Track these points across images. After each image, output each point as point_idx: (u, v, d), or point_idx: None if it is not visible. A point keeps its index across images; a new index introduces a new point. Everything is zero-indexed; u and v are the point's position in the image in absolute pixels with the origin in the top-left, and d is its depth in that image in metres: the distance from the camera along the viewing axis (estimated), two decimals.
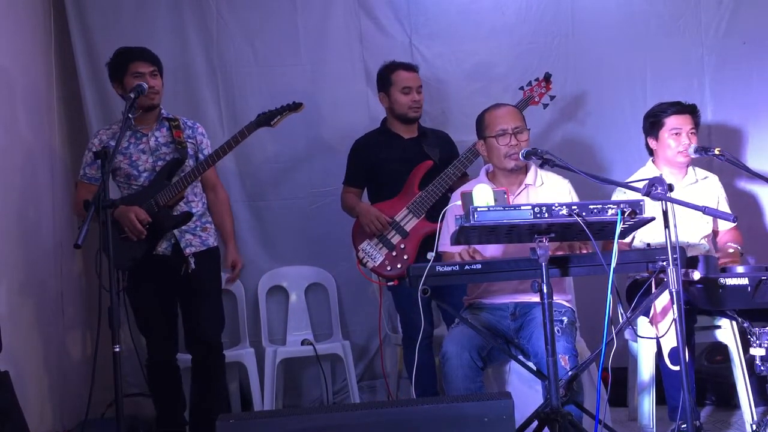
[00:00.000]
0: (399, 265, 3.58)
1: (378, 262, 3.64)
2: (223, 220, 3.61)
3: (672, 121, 3.49)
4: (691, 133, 3.49)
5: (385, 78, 3.79)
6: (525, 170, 3.18)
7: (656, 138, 3.53)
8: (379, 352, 4.43)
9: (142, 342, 4.28)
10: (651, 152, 3.64)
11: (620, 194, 3.44)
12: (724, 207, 3.55)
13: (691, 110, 3.53)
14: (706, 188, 3.58)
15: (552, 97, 3.92)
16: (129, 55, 3.39)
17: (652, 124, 3.55)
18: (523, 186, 3.16)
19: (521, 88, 3.90)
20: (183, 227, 3.39)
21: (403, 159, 3.70)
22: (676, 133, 3.48)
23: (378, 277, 3.70)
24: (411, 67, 3.81)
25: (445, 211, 2.90)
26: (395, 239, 3.63)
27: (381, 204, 3.70)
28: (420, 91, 3.77)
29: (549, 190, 3.16)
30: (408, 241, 3.61)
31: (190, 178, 3.33)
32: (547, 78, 3.89)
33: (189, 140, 3.47)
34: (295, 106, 3.38)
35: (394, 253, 3.63)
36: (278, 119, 3.37)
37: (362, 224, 3.67)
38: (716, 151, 3.37)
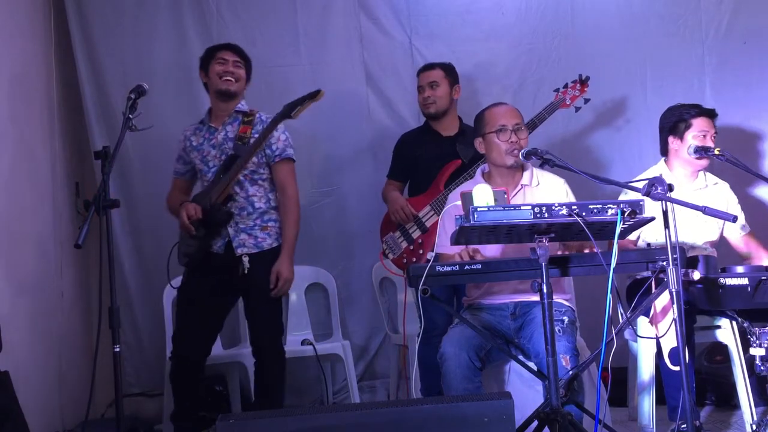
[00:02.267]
0: (414, 260, 3.66)
1: (396, 255, 3.75)
2: (285, 224, 3.39)
3: (699, 123, 3.47)
4: (713, 136, 3.49)
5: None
6: (521, 170, 3.18)
7: (681, 138, 3.50)
8: (379, 352, 4.45)
9: (143, 342, 4.29)
10: (663, 151, 3.61)
11: (628, 194, 3.42)
12: (735, 212, 3.48)
13: (713, 114, 3.53)
14: (715, 194, 3.54)
15: (587, 100, 3.89)
16: (219, 45, 3.51)
17: (677, 123, 3.50)
18: (519, 186, 3.16)
19: (556, 90, 3.88)
20: (241, 225, 3.33)
21: (437, 156, 3.76)
22: (703, 135, 3.46)
23: (403, 270, 3.73)
24: (426, 67, 3.91)
25: (443, 213, 2.91)
26: (415, 234, 3.70)
27: (411, 199, 3.80)
28: (434, 86, 3.82)
29: (545, 190, 3.16)
30: (426, 237, 3.67)
31: (234, 173, 3.28)
32: (583, 80, 3.85)
33: (257, 135, 3.37)
34: (314, 95, 3.29)
35: (412, 248, 3.70)
36: (299, 109, 3.27)
37: (390, 212, 3.79)
38: (716, 151, 3.37)
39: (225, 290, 3.40)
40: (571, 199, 3.16)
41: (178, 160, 3.54)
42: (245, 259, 3.29)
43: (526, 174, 3.17)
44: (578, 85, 3.85)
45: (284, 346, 4.20)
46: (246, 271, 3.29)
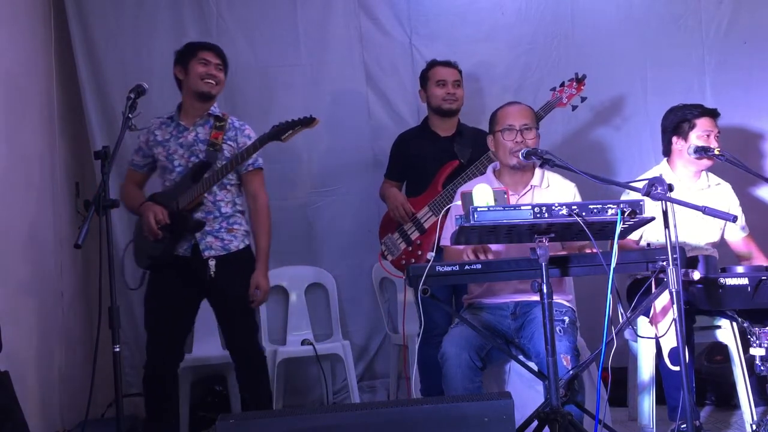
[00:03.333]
0: (413, 261, 3.64)
1: (395, 256, 3.73)
2: (258, 233, 3.40)
3: (703, 123, 3.47)
4: (717, 136, 3.49)
5: (423, 75, 3.90)
6: (532, 171, 3.18)
7: (685, 138, 3.50)
8: (379, 352, 4.45)
9: (143, 342, 4.28)
10: (666, 151, 3.61)
11: (630, 194, 3.42)
12: (736, 213, 3.48)
13: (716, 114, 3.53)
14: (717, 195, 3.54)
15: (584, 99, 3.89)
16: (201, 44, 3.48)
17: (680, 123, 3.50)
18: (529, 187, 3.16)
19: (552, 89, 3.88)
20: (207, 228, 3.32)
21: (435, 157, 3.76)
22: (707, 135, 3.46)
23: (402, 271, 3.73)
24: (448, 63, 3.89)
25: (449, 207, 2.91)
26: (414, 235, 3.70)
27: (409, 200, 3.78)
28: (457, 85, 3.84)
29: (554, 192, 3.16)
30: (424, 238, 3.66)
31: (208, 183, 3.28)
32: (579, 79, 3.85)
33: (229, 142, 3.38)
34: (309, 121, 3.24)
35: (410, 249, 3.68)
36: (290, 134, 3.24)
37: (389, 209, 3.79)
38: (716, 151, 3.38)
39: (192, 293, 3.37)
40: None
41: (137, 152, 3.48)
42: (212, 263, 3.30)
43: (536, 175, 3.17)
44: (575, 83, 3.85)
45: (284, 346, 4.26)
46: (212, 275, 3.29)
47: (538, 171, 3.18)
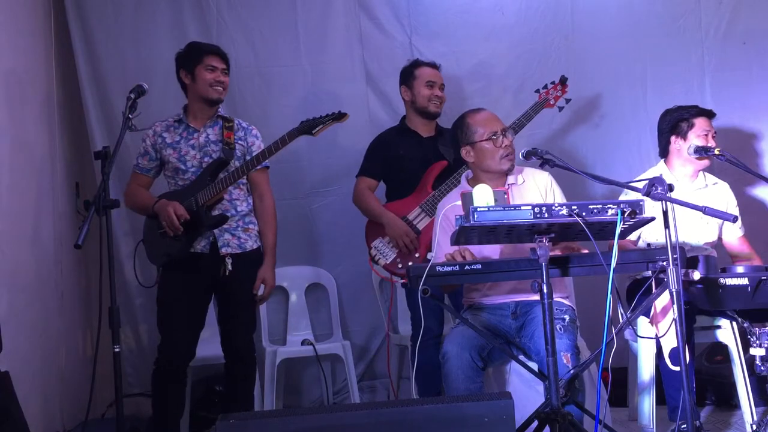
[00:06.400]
0: (410, 262, 3.61)
1: (390, 260, 3.68)
2: (265, 231, 3.47)
3: (701, 122, 3.50)
4: (713, 136, 3.51)
5: (408, 73, 3.85)
6: (506, 172, 3.17)
7: (684, 137, 3.51)
8: (379, 352, 4.44)
9: (143, 342, 4.27)
10: (664, 152, 3.61)
11: (628, 195, 3.43)
12: (734, 213, 3.47)
13: (712, 114, 3.56)
14: (715, 194, 3.56)
15: (568, 100, 3.93)
16: (205, 48, 3.47)
17: (678, 123, 3.52)
18: (507, 187, 3.15)
19: (537, 91, 3.90)
20: (224, 226, 3.35)
21: (419, 157, 3.73)
22: (706, 134, 3.49)
23: (391, 274, 3.71)
24: (434, 65, 3.88)
25: (435, 225, 2.92)
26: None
27: (395, 203, 3.74)
28: (443, 89, 3.82)
29: (532, 186, 3.17)
30: (419, 239, 3.63)
31: (231, 179, 3.30)
32: (563, 81, 3.90)
33: (239, 142, 3.43)
34: (340, 116, 3.27)
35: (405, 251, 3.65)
36: (320, 128, 3.27)
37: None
38: (716, 152, 3.38)
39: (205, 290, 3.41)
40: (557, 191, 3.18)
41: (143, 156, 3.46)
42: (228, 260, 3.33)
43: (511, 174, 3.17)
44: (559, 86, 3.90)
45: (284, 346, 4.26)
46: (228, 272, 3.32)
47: (512, 170, 3.18)
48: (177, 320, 3.35)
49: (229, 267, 3.33)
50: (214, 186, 3.29)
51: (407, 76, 3.84)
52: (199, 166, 3.39)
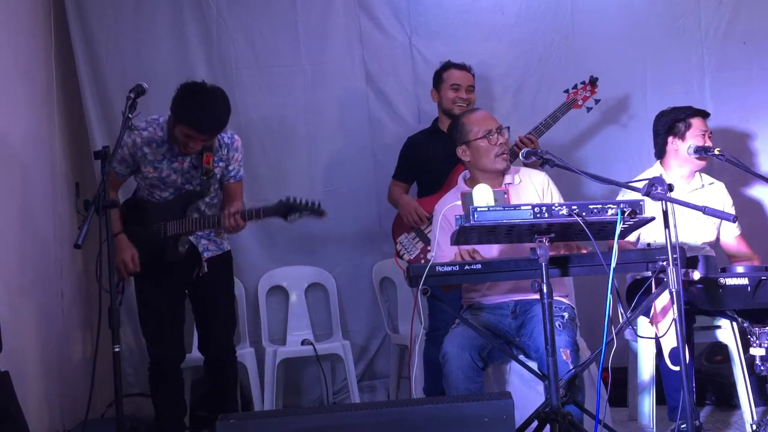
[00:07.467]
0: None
1: (413, 255, 3.72)
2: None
3: (698, 123, 3.51)
4: (710, 135, 3.52)
5: (437, 76, 3.92)
6: (502, 172, 3.18)
7: (682, 138, 3.51)
8: (379, 352, 4.44)
9: (143, 342, 4.27)
10: (660, 153, 3.61)
11: (626, 194, 3.43)
12: (731, 213, 3.48)
13: (707, 114, 3.58)
14: (711, 194, 3.56)
15: (597, 101, 3.94)
16: (188, 118, 3.20)
17: (675, 123, 3.53)
18: (504, 187, 3.15)
19: (566, 91, 3.91)
20: (199, 233, 3.40)
21: (448, 156, 3.73)
22: (703, 134, 3.50)
23: None
24: (464, 67, 3.91)
25: (434, 228, 2.92)
26: (431, 234, 3.68)
27: (423, 199, 3.78)
28: (470, 90, 3.87)
29: (529, 185, 3.17)
30: None
31: (204, 224, 3.33)
32: (593, 81, 3.91)
33: (220, 163, 3.39)
34: (319, 212, 3.29)
35: (428, 248, 3.66)
36: (296, 216, 3.28)
37: (402, 215, 3.79)
38: (716, 152, 3.39)
39: (179, 289, 3.45)
40: (554, 191, 3.19)
41: (121, 162, 3.35)
42: (205, 263, 3.40)
43: (508, 174, 3.18)
44: (588, 86, 3.91)
45: (284, 346, 4.26)
46: (202, 274, 3.38)
47: (509, 170, 3.19)
48: (159, 324, 3.40)
49: (205, 269, 3.39)
50: (185, 223, 3.32)
51: (436, 79, 3.92)
52: (177, 189, 3.38)
